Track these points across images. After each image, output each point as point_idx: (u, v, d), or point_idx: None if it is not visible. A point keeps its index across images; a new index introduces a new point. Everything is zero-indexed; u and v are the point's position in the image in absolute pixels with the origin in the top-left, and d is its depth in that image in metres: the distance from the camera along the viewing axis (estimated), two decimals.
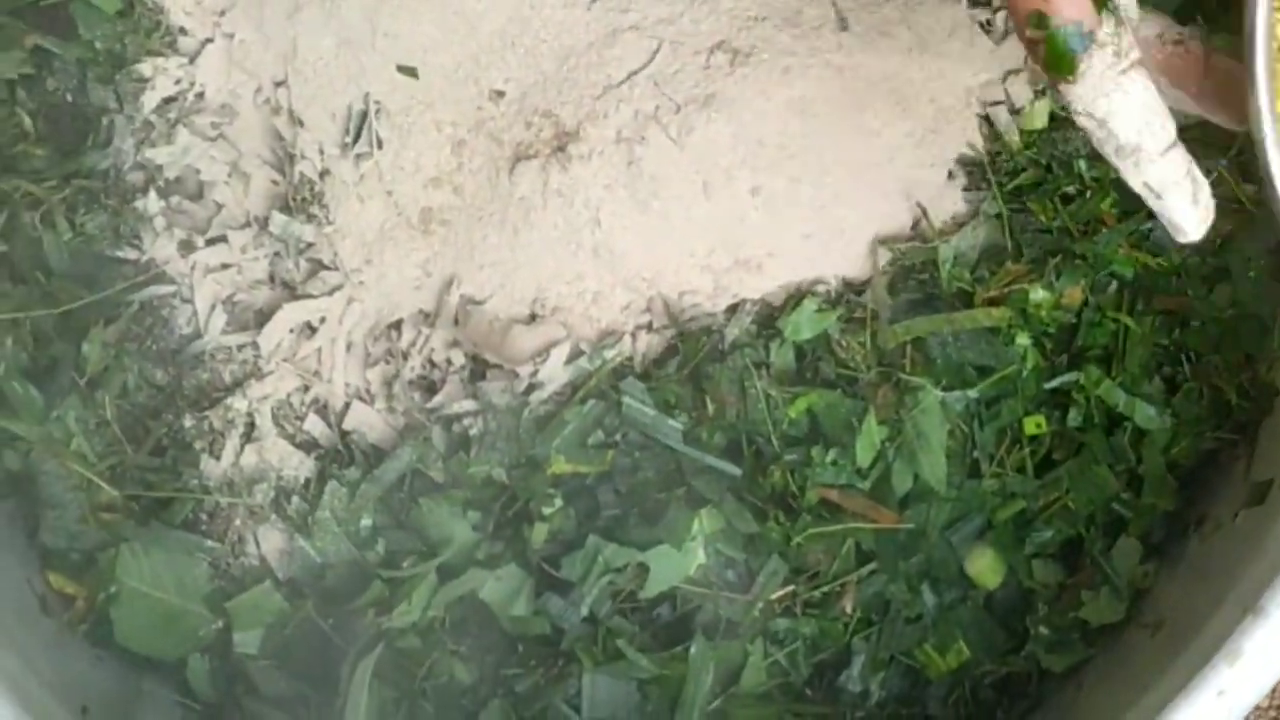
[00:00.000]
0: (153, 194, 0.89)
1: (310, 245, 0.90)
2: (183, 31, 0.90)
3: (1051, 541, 0.91)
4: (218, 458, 0.89)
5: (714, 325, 0.89)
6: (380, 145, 0.89)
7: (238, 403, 0.89)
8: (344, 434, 0.90)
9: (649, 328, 0.89)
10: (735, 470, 0.88)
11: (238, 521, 0.89)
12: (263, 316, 0.89)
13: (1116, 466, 0.90)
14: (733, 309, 0.89)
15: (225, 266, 0.89)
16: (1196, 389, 0.91)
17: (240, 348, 0.89)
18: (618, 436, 0.88)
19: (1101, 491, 0.90)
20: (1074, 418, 0.90)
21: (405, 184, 0.89)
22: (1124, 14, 0.71)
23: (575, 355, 0.89)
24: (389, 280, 0.89)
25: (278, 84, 0.89)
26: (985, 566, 0.90)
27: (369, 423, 0.89)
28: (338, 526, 0.88)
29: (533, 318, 0.90)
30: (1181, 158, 0.71)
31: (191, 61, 0.89)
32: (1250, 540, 0.85)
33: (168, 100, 0.89)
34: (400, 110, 0.89)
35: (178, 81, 0.89)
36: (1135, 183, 0.71)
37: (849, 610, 0.89)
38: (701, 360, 0.88)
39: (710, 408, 0.88)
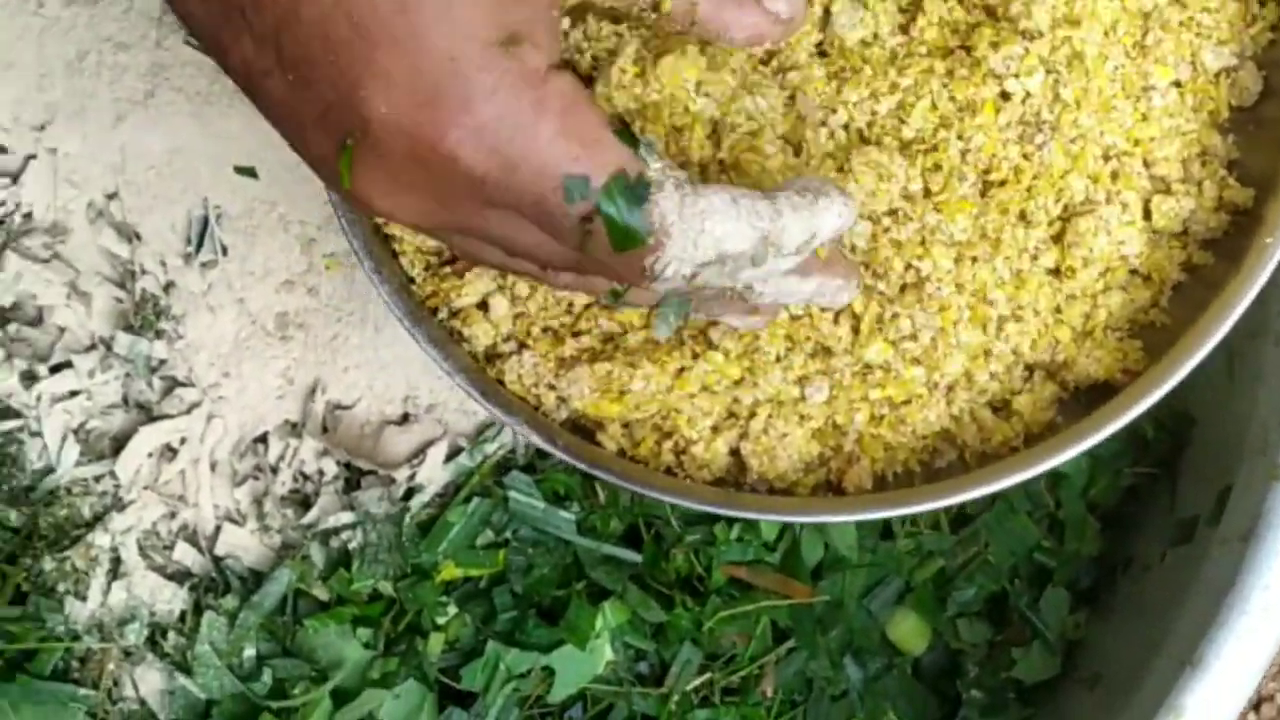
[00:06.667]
0: None
1: (162, 363, 0.85)
2: (1, 150, 0.84)
3: (975, 599, 0.88)
4: (84, 599, 0.83)
5: None
6: (225, 251, 0.85)
7: (100, 538, 0.83)
8: (217, 560, 0.85)
9: None
10: (635, 557, 0.85)
11: (111, 665, 0.83)
12: (118, 443, 0.84)
13: (1035, 514, 0.87)
14: None
15: (73, 394, 0.84)
16: None
17: (98, 478, 0.84)
18: (508, 534, 0.85)
19: (1022, 542, 0.87)
20: None
21: (256, 289, 0.85)
22: None
23: (454, 453, 0.85)
24: (249, 392, 0.85)
25: (109, 196, 0.84)
26: (908, 631, 0.87)
27: (243, 545, 0.84)
28: (219, 659, 0.83)
29: (405, 418, 0.86)
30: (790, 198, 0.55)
31: (15, 181, 0.84)
32: (1181, 581, 0.81)
33: None
34: (242, 213, 0.85)
35: (2, 203, 0.84)
36: (790, 283, 0.57)
37: (770, 693, 0.86)
38: None
39: (602, 494, 0.84)
